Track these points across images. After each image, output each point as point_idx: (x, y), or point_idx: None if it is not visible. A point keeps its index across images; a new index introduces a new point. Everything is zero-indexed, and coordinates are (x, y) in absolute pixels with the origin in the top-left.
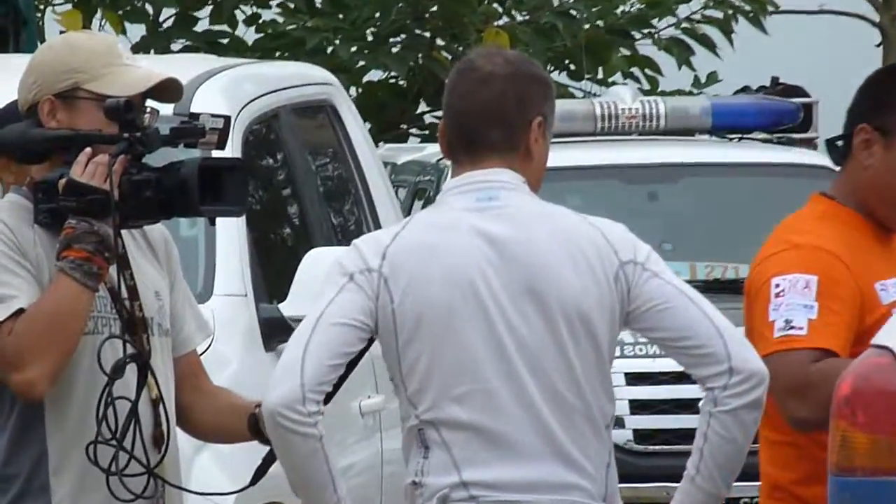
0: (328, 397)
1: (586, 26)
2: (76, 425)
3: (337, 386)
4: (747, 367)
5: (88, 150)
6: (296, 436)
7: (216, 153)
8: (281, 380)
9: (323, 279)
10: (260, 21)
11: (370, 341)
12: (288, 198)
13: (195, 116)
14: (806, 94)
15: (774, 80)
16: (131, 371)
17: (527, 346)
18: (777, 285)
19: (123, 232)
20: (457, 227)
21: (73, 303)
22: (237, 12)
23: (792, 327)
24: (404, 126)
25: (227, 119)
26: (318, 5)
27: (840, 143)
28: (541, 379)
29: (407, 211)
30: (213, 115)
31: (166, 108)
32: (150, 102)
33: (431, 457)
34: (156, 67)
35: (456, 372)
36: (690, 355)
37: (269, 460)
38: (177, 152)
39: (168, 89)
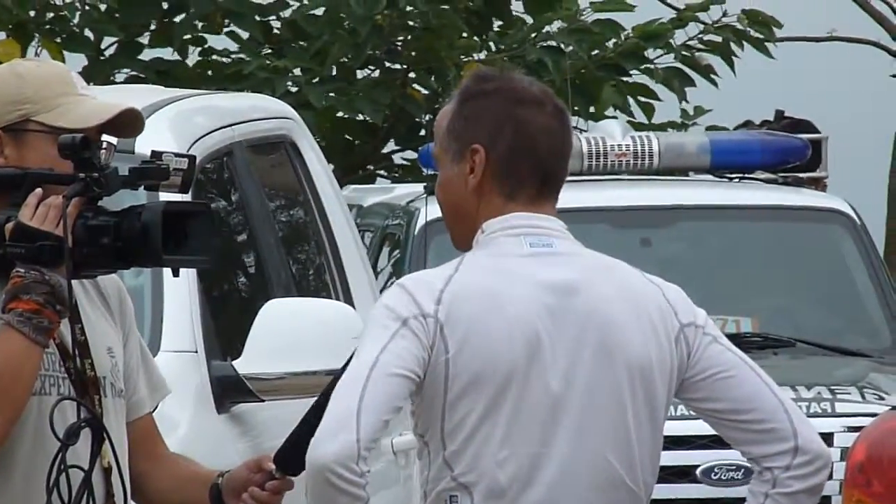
0: (299, 468)
1: (574, 61)
2: (20, 495)
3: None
4: (813, 447)
5: (39, 190)
6: (345, 497)
7: (175, 197)
8: (335, 433)
9: (369, 323)
10: (206, 45)
11: None
12: (243, 244)
13: (157, 156)
14: (814, 130)
15: (779, 114)
16: (83, 436)
17: (583, 409)
18: None
19: (74, 282)
20: (515, 273)
21: (20, 360)
22: (188, 38)
23: None
24: (371, 167)
25: (193, 159)
26: (277, 31)
27: None
28: (592, 447)
29: (375, 257)
30: (177, 155)
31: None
32: (105, 136)
33: None
34: (109, 98)
35: (505, 434)
36: (751, 430)
37: None
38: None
39: (126, 123)
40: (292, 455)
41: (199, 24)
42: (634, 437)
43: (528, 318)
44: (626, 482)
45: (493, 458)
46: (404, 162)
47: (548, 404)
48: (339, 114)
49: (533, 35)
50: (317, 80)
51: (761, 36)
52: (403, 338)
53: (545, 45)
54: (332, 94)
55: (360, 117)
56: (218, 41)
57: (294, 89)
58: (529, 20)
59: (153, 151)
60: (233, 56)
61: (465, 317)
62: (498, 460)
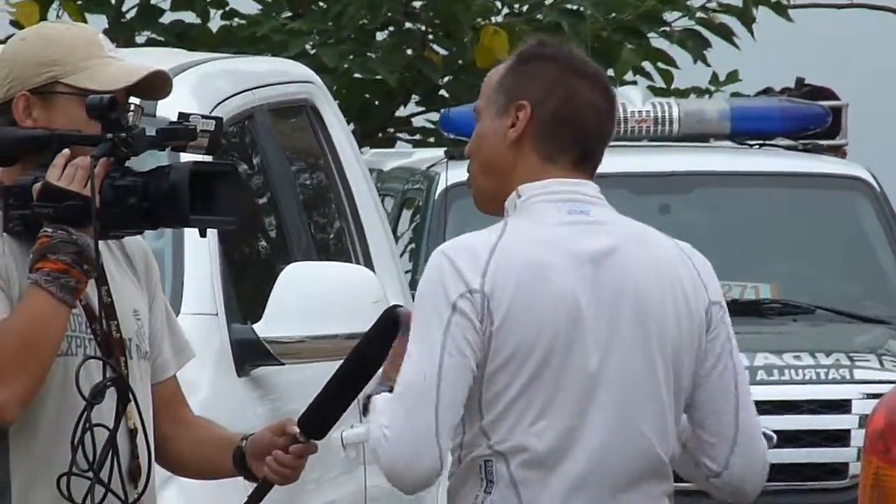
0: (324, 428)
1: (592, 23)
2: (44, 455)
3: (335, 417)
4: (734, 483)
5: (66, 151)
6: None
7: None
8: (419, 455)
9: (422, 302)
10: (227, 8)
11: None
12: (264, 207)
13: (185, 117)
14: (834, 97)
15: (800, 82)
16: (108, 397)
17: (620, 382)
18: None
19: (100, 245)
20: (556, 243)
21: (48, 320)
22: (209, 0)
23: None
24: (392, 130)
25: (220, 121)
26: None
27: None
28: (628, 420)
29: (395, 222)
30: (205, 117)
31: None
32: (133, 98)
33: (495, 493)
34: (136, 61)
35: (544, 406)
36: (697, 435)
37: (254, 499)
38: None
39: (154, 85)
40: (316, 419)
41: None
42: (667, 409)
43: (570, 290)
44: (658, 454)
45: (530, 428)
46: (427, 124)
47: (586, 377)
48: (356, 76)
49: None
50: (332, 41)
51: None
52: (458, 326)
53: (564, 7)
54: (347, 56)
55: (378, 80)
56: (239, 3)
57: (312, 52)
58: None
59: (180, 113)
60: (247, 18)
61: (510, 289)
62: (535, 431)
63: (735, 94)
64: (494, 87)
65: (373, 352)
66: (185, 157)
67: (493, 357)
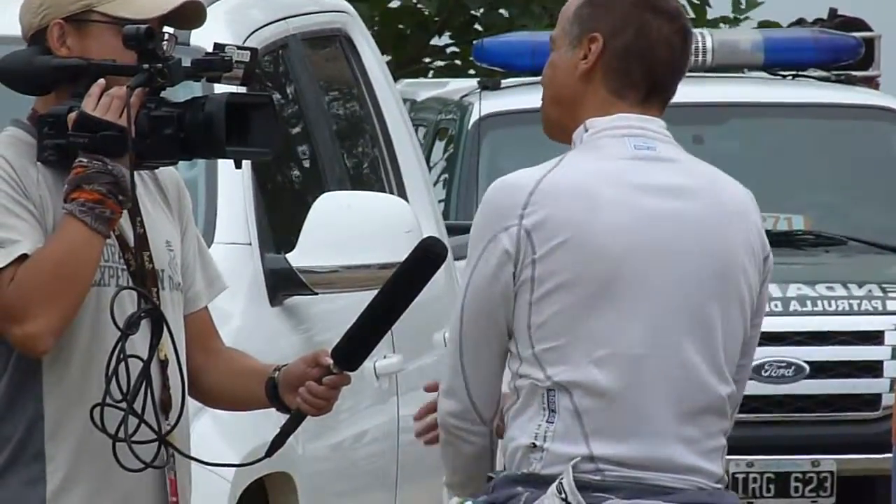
0: (357, 359)
1: None
2: (76, 386)
3: (367, 349)
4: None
5: (102, 81)
6: (466, 445)
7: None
8: (450, 392)
9: (471, 238)
10: None
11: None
12: (298, 137)
13: (220, 48)
14: (867, 28)
15: (833, 12)
16: (142, 327)
17: (685, 314)
18: None
19: (134, 174)
20: (616, 175)
21: (82, 249)
22: None
23: None
24: (426, 60)
25: (255, 52)
26: None
27: None
28: (689, 357)
29: (428, 152)
30: (239, 48)
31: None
32: (167, 28)
33: (558, 422)
34: None
35: (600, 334)
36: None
37: (287, 430)
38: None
39: (188, 14)
40: (350, 350)
41: None
42: (724, 358)
43: (626, 222)
44: (717, 391)
45: (589, 357)
46: (458, 53)
47: (647, 308)
48: (392, 4)
49: None
50: None
51: None
52: (497, 263)
53: None
54: None
55: (413, 9)
56: None
57: None
58: None
59: (216, 44)
60: None
61: (559, 218)
62: (594, 359)
63: (765, 23)
64: (570, 17)
65: (407, 283)
66: (220, 88)
67: (538, 285)
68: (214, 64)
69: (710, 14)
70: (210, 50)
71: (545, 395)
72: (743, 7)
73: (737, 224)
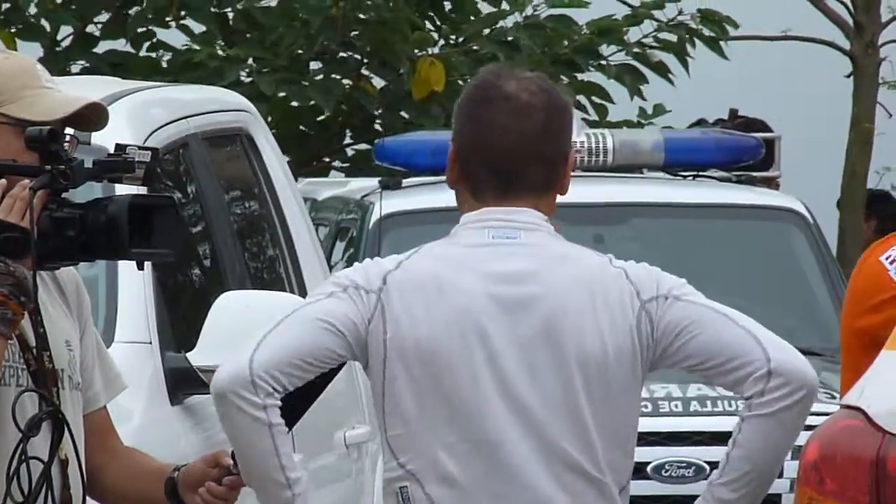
0: (295, 416)
1: (529, 55)
2: None
3: (306, 405)
4: (787, 368)
5: (3, 181)
6: (243, 417)
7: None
8: (232, 360)
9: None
10: (154, 39)
11: (341, 365)
12: (198, 236)
13: (122, 149)
14: (768, 129)
15: (733, 113)
16: (42, 428)
17: (533, 399)
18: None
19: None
20: (466, 263)
21: None
22: (142, 30)
23: None
24: (327, 159)
25: (156, 152)
26: (230, 22)
27: None
28: (542, 435)
29: (329, 252)
30: (141, 148)
31: None
32: (68, 129)
33: None
34: (72, 91)
35: (447, 420)
36: (730, 370)
37: None
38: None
39: (90, 116)
40: None
41: (152, 17)
42: (593, 429)
43: (471, 308)
44: (584, 468)
45: (438, 443)
46: (367, 145)
47: (493, 396)
48: (293, 103)
49: (487, 30)
50: (268, 69)
51: (714, 35)
52: (338, 298)
53: (500, 39)
54: (283, 84)
55: (314, 109)
56: (170, 35)
57: (247, 80)
58: (486, 9)
59: (117, 144)
60: (174, 51)
61: (407, 301)
62: (444, 445)
63: (666, 128)
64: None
65: (306, 386)
66: (120, 189)
67: (388, 367)
68: (117, 165)
69: (614, 116)
70: (112, 151)
71: (400, 492)
72: (650, 113)
73: (585, 296)
